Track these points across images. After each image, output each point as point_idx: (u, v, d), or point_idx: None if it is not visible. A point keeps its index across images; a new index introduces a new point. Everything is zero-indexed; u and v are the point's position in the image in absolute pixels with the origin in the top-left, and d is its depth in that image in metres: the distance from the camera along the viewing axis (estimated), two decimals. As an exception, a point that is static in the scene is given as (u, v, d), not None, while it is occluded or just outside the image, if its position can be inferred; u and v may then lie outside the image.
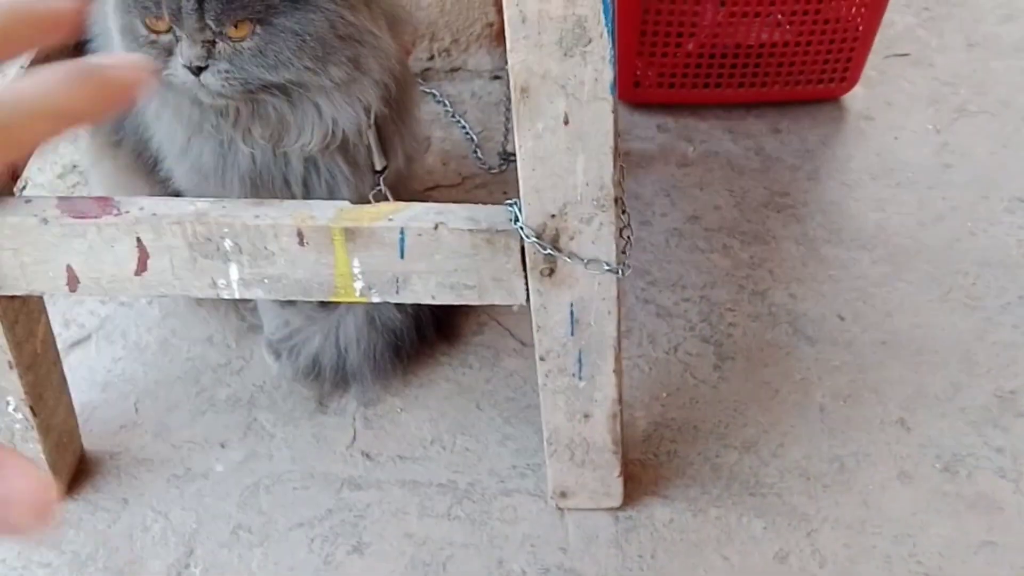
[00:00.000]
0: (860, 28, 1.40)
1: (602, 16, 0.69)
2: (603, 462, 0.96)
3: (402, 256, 0.84)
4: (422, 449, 1.07)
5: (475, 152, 1.43)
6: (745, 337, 1.17)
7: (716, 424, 1.09)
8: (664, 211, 1.33)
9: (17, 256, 0.83)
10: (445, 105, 1.50)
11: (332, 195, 0.95)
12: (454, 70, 1.57)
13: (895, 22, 1.60)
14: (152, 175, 1.00)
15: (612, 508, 1.00)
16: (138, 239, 0.82)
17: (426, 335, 1.14)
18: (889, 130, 1.44)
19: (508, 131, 1.42)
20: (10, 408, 0.91)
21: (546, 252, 0.82)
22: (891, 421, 1.08)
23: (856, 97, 1.49)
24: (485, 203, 1.36)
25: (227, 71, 0.81)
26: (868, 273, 1.24)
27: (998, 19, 1.61)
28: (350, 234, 0.83)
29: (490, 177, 1.40)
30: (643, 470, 1.04)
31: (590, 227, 0.80)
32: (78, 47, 1.03)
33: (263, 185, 0.94)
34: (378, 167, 0.97)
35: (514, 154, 1.40)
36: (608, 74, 0.72)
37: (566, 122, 0.75)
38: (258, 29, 0.80)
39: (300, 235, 0.83)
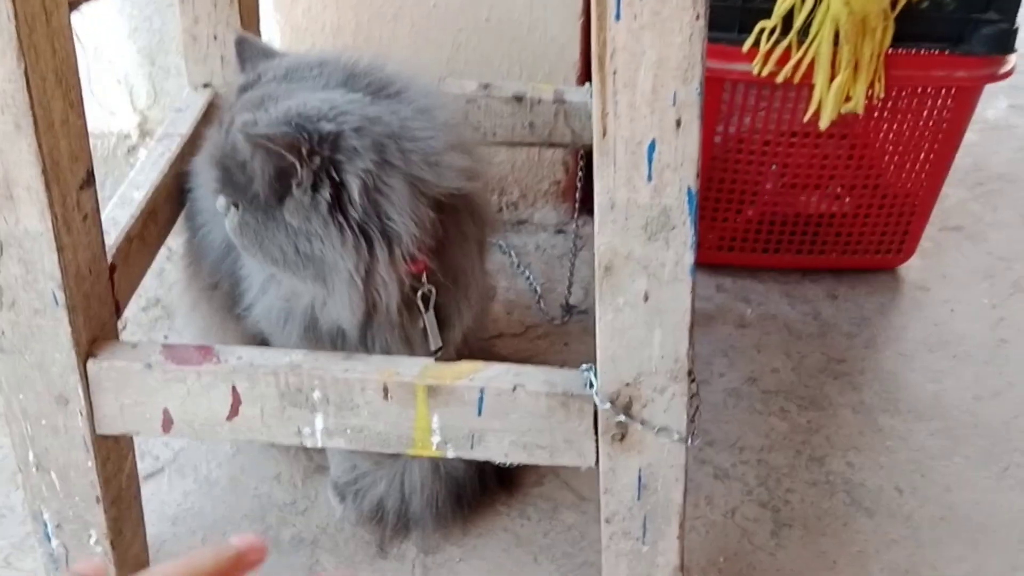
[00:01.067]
0: (918, 202, 1.45)
1: (687, 206, 0.74)
2: (662, 627, 0.97)
3: (479, 414, 0.87)
4: (480, 601, 1.08)
5: (538, 303, 1.48)
6: (803, 504, 1.18)
7: (774, 593, 1.09)
8: (722, 371, 1.36)
9: (118, 398, 0.87)
10: (511, 256, 1.57)
11: None
12: (520, 223, 1.65)
13: (949, 195, 1.65)
14: (240, 317, 1.06)
15: (669, 675, 1.00)
16: (233, 387, 0.87)
17: (488, 485, 1.16)
18: (945, 302, 1.47)
19: (571, 285, 1.47)
20: (91, 541, 0.94)
21: (619, 418, 0.85)
22: (951, 600, 1.08)
23: (912, 268, 1.53)
24: (547, 353, 1.42)
25: (232, 232, 0.91)
26: (925, 445, 1.25)
27: (1051, 197, 1.66)
28: (432, 391, 0.87)
29: (552, 328, 1.44)
30: (700, 636, 1.04)
31: (663, 397, 0.84)
32: (182, 194, 1.11)
33: (319, 341, 0.98)
34: (432, 348, 1.00)
35: (576, 307, 1.47)
36: (688, 258, 0.77)
37: (646, 299, 0.79)
38: (238, 211, 0.89)
39: (385, 390, 0.87)
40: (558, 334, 1.44)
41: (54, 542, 0.95)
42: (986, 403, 1.30)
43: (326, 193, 0.85)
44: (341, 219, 0.86)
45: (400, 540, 1.13)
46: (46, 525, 0.94)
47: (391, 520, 1.12)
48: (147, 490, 1.16)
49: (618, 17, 0.68)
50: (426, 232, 0.90)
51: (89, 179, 0.83)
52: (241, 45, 0.99)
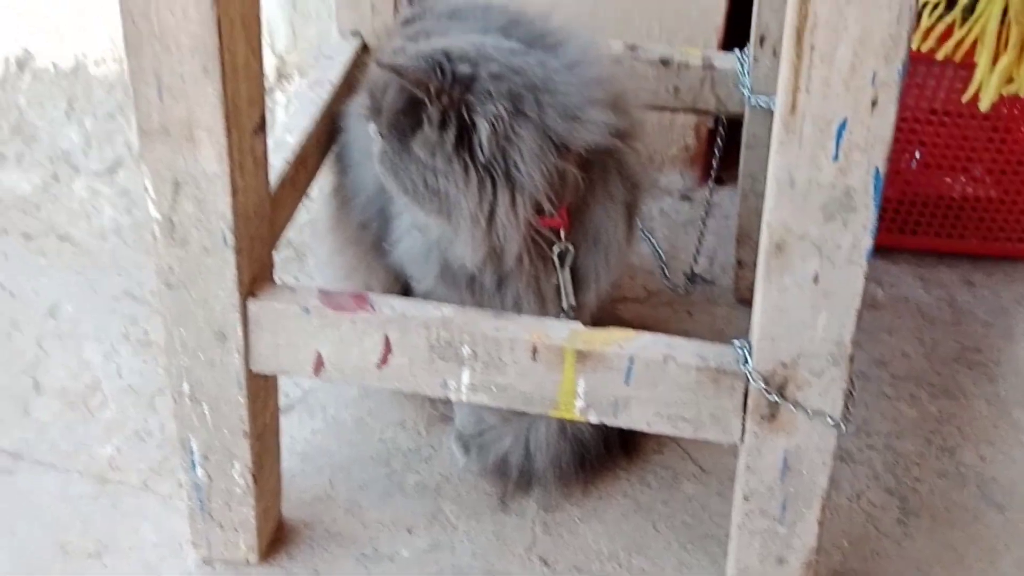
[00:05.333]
0: (1068, 192, 1.39)
1: (871, 189, 0.72)
2: (788, 607, 0.96)
3: (627, 383, 0.87)
4: (599, 564, 1.09)
5: (662, 269, 1.46)
6: (931, 495, 1.16)
7: (898, 582, 1.07)
8: (854, 356, 1.33)
9: (274, 338, 0.89)
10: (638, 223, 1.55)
11: (518, 312, 0.98)
12: (652, 191, 1.62)
13: (1097, 185, 1.58)
14: (382, 254, 1.07)
15: (789, 654, 0.99)
16: (386, 336, 0.88)
17: (611, 450, 1.16)
18: (1089, 298, 1.41)
19: (698, 253, 1.45)
20: (235, 473, 0.97)
21: (771, 398, 0.84)
22: (1084, 605, 1.05)
23: (1054, 259, 1.47)
24: (669, 321, 1.41)
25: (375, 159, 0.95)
26: (1063, 444, 1.21)
27: None
28: (581, 355, 0.87)
29: (676, 296, 1.43)
30: (821, 619, 1.03)
31: (820, 380, 0.82)
32: (331, 133, 1.12)
33: (455, 283, 1.00)
34: (564, 306, 1.00)
35: (700, 276, 1.44)
36: (867, 241, 0.75)
37: (816, 281, 0.77)
38: (381, 142, 0.91)
39: (534, 350, 0.87)
40: (681, 303, 1.42)
41: (199, 471, 0.98)
42: None
43: (452, 132, 0.87)
44: (467, 158, 0.88)
45: (521, 496, 1.14)
46: (193, 454, 0.97)
47: (514, 475, 1.14)
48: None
49: (824, -11, 0.65)
50: (561, 186, 0.91)
51: (262, 124, 0.84)
52: None
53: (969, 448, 1.21)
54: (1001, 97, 1.24)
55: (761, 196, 0.77)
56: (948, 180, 1.42)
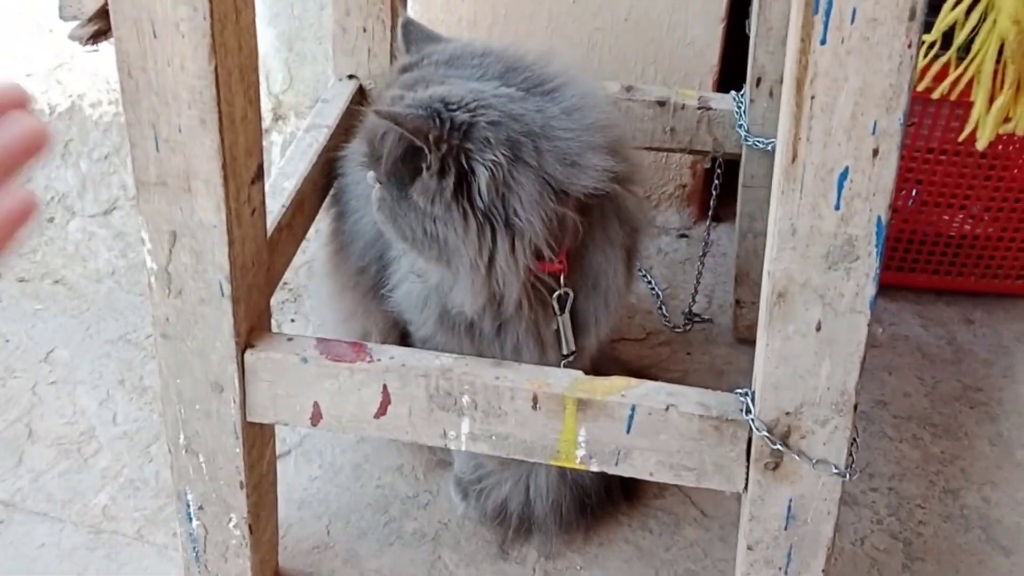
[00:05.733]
0: (1066, 230, 1.39)
1: (874, 237, 0.72)
2: (795, 658, 0.94)
3: (628, 431, 0.86)
4: (601, 611, 1.07)
5: (660, 309, 1.46)
6: (936, 538, 1.14)
7: (905, 628, 1.06)
8: (858, 404, 1.32)
9: (271, 388, 0.88)
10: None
11: (517, 358, 0.98)
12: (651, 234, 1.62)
13: (1094, 221, 1.58)
14: (380, 300, 1.07)
15: None
16: (384, 386, 0.87)
17: (612, 495, 1.15)
18: (1090, 337, 1.41)
19: (696, 292, 1.45)
20: (231, 524, 0.96)
21: (775, 447, 0.83)
22: (1094, 652, 1.03)
23: (1053, 296, 1.46)
24: (668, 361, 1.40)
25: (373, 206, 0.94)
26: (1068, 485, 1.20)
27: None
28: (582, 404, 0.86)
29: (674, 335, 1.42)
30: (827, 668, 1.01)
31: (824, 429, 0.81)
32: (328, 178, 1.12)
33: (454, 330, 0.99)
34: (564, 352, 0.99)
35: (699, 316, 1.44)
36: (870, 289, 0.74)
37: (818, 329, 0.77)
38: (379, 189, 0.90)
39: (535, 399, 0.86)
40: (680, 342, 1.41)
41: (195, 523, 0.97)
42: None
43: (451, 179, 0.86)
44: (466, 206, 0.87)
45: (522, 543, 1.13)
46: (188, 505, 0.96)
47: (514, 522, 1.12)
48: (276, 474, 1.18)
49: (824, 41, 0.65)
50: (561, 232, 0.90)
51: (260, 173, 0.84)
52: (407, 28, 1.00)
53: (973, 490, 1.20)
54: (998, 135, 1.24)
55: (759, 235, 0.77)
56: (946, 218, 1.42)
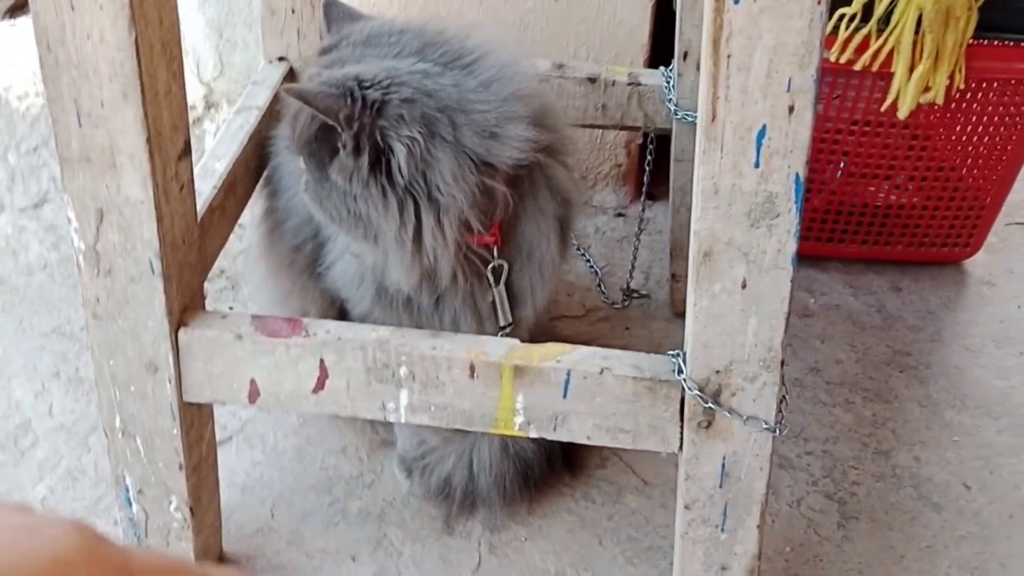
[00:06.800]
0: (988, 196, 1.43)
1: (793, 194, 0.74)
2: (734, 615, 0.97)
3: (565, 396, 0.87)
4: (546, 581, 1.08)
5: (599, 286, 1.48)
6: (869, 497, 1.17)
7: (841, 584, 1.08)
8: (786, 360, 1.35)
9: (207, 367, 0.88)
10: (572, 239, 1.56)
11: (456, 331, 0.98)
12: (583, 206, 1.64)
13: (1015, 190, 1.63)
14: (316, 278, 1.07)
15: (737, 662, 1.00)
16: (321, 360, 0.87)
17: (554, 466, 1.16)
18: (1011, 298, 1.45)
19: (633, 269, 1.47)
20: (171, 507, 0.95)
21: (707, 406, 0.85)
22: (1021, 598, 1.07)
23: (977, 262, 1.51)
24: (608, 337, 1.42)
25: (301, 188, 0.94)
26: (993, 442, 1.24)
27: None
28: (519, 371, 0.87)
29: (613, 311, 1.44)
30: (767, 625, 1.04)
31: (753, 385, 0.83)
32: (261, 159, 1.11)
33: (391, 306, 1.00)
34: (501, 323, 1.01)
35: (636, 291, 1.46)
36: (791, 246, 0.76)
37: (743, 286, 0.79)
38: (308, 173, 0.90)
39: (472, 368, 0.87)
40: (619, 318, 1.43)
41: (135, 507, 0.96)
42: (1055, 402, 1.29)
43: (367, 157, 0.87)
44: (385, 183, 0.88)
45: (466, 517, 1.14)
46: (128, 490, 0.95)
47: (458, 497, 1.13)
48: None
49: (737, 0, 0.67)
50: (490, 204, 0.91)
51: (187, 149, 0.83)
52: (328, 8, 1.00)
53: (904, 450, 1.23)
54: (920, 105, 1.28)
55: (691, 209, 0.78)
56: (872, 189, 1.46)
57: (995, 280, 1.49)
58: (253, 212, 1.20)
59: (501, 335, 0.98)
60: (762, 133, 0.71)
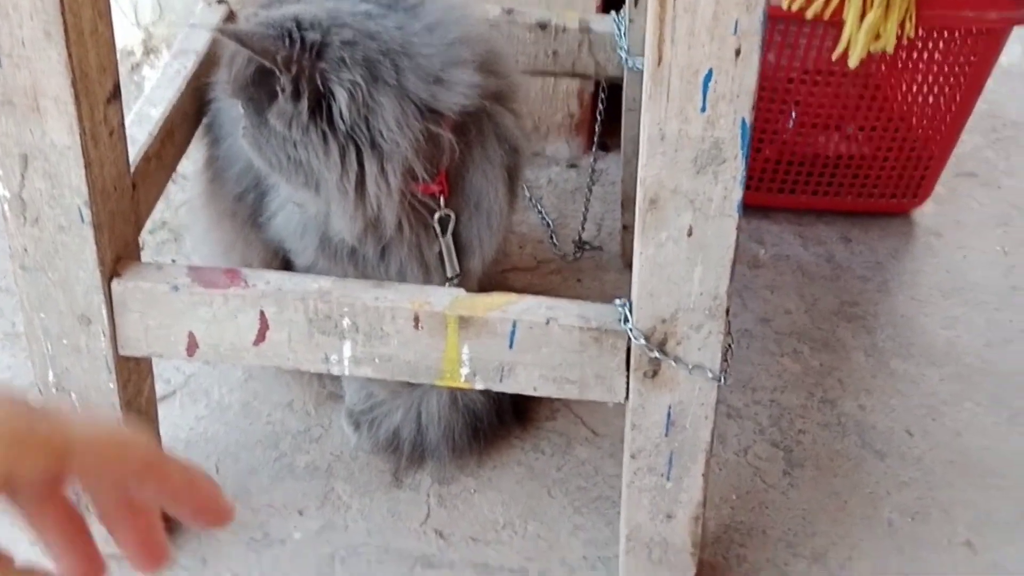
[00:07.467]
0: (936, 146, 1.43)
1: (739, 140, 0.72)
2: (680, 563, 0.97)
3: (511, 347, 0.86)
4: (494, 532, 1.08)
5: (551, 238, 1.46)
6: (815, 445, 1.19)
7: (785, 531, 1.09)
8: (735, 311, 1.35)
9: (143, 320, 0.86)
10: (523, 190, 1.54)
11: (402, 281, 0.97)
12: (533, 155, 1.62)
13: (963, 141, 1.63)
14: (259, 228, 1.04)
15: (682, 608, 1.01)
16: (261, 312, 0.85)
17: (504, 418, 1.16)
18: (958, 248, 1.47)
19: (585, 220, 1.46)
20: (110, 462, 0.93)
21: (652, 355, 0.84)
22: (959, 543, 1.09)
23: (925, 214, 1.52)
24: (559, 289, 1.41)
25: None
26: (937, 390, 1.25)
27: (1066, 147, 1.65)
28: (464, 322, 0.85)
29: (564, 263, 1.43)
30: (713, 572, 1.05)
31: (699, 334, 0.83)
32: (200, 105, 1.08)
33: (336, 256, 0.98)
34: (449, 274, 0.99)
35: (588, 243, 1.45)
36: (737, 193, 0.75)
37: (690, 234, 0.78)
38: (246, 118, 0.88)
39: (416, 319, 0.85)
40: (570, 270, 1.42)
41: (71, 463, 0.94)
42: (997, 350, 1.30)
43: (307, 101, 0.85)
44: (326, 128, 0.86)
45: (415, 470, 1.13)
46: (64, 446, 0.93)
47: (406, 450, 1.12)
48: (159, 414, 1.15)
49: (683, -61, 0.65)
50: (435, 152, 0.89)
51: (116, 92, 0.80)
52: None
53: (849, 399, 1.24)
54: (871, 55, 1.27)
55: (640, 157, 0.77)
56: (823, 139, 1.45)
57: (942, 231, 1.50)
58: (194, 161, 1.17)
59: (449, 287, 0.97)
60: (708, 77, 0.70)
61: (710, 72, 0.70)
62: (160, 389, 1.19)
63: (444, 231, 0.96)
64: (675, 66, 0.70)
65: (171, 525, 1.04)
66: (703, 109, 0.71)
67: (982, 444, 1.19)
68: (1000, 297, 1.38)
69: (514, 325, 0.85)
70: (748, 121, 0.72)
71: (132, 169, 0.91)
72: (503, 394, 1.13)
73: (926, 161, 1.45)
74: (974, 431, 1.20)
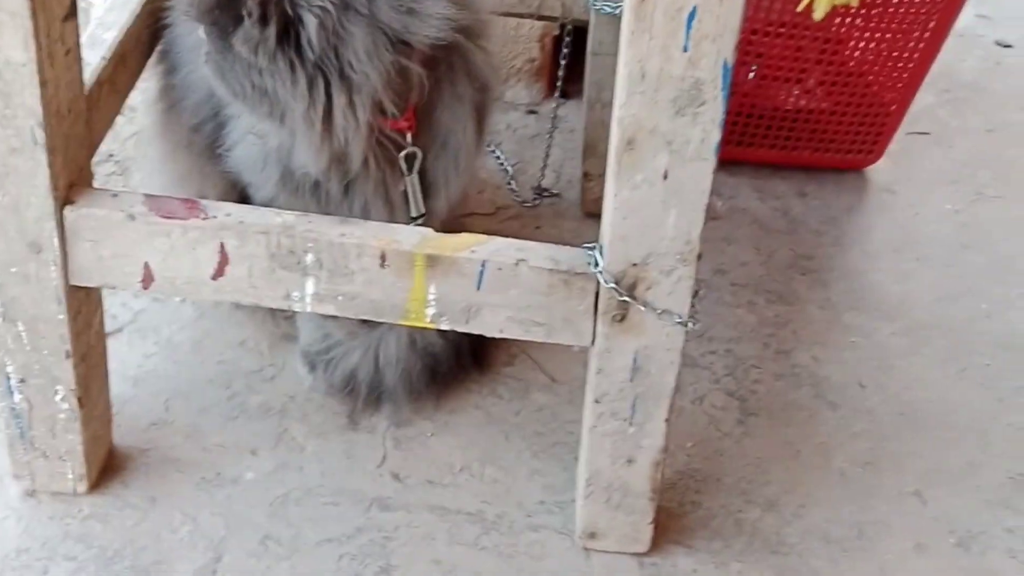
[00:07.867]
0: (894, 103, 1.44)
1: (721, 81, 0.71)
2: (638, 508, 0.98)
3: (479, 288, 0.85)
4: (451, 476, 1.08)
5: (509, 184, 1.45)
6: (769, 395, 1.20)
7: (739, 479, 1.11)
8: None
9: (96, 249, 0.82)
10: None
11: (366, 219, 0.95)
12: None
13: (917, 100, 1.65)
14: (217, 160, 1.01)
15: (638, 553, 1.02)
16: (221, 245, 0.82)
17: (463, 362, 1.15)
18: (910, 205, 1.49)
19: (545, 167, 1.44)
20: (58, 397, 0.90)
21: (621, 299, 0.83)
22: (908, 492, 1.11)
23: (879, 170, 1.53)
24: (518, 235, 1.39)
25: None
26: (888, 343, 1.28)
27: (1016, 107, 1.68)
28: (431, 261, 0.84)
29: (523, 210, 1.42)
30: (668, 519, 1.06)
31: (669, 279, 0.82)
32: (155, 31, 1.04)
33: (297, 191, 0.95)
34: (413, 213, 0.97)
35: (548, 190, 1.44)
36: (715, 136, 0.75)
37: (665, 177, 0.77)
38: (209, 43, 0.85)
39: (383, 257, 0.83)
40: (529, 216, 1.41)
41: (16, 396, 0.91)
42: (947, 305, 1.33)
43: (275, 27, 0.82)
44: (294, 56, 0.83)
45: (371, 412, 1.12)
46: (9, 379, 0.90)
47: (363, 392, 1.11)
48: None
49: None
50: (405, 86, 0.87)
51: (73, 10, 0.76)
52: None
53: (803, 350, 1.26)
54: (834, 9, 1.27)
55: (607, 105, 0.76)
56: (783, 93, 1.45)
57: (895, 188, 1.52)
58: (147, 92, 1.12)
59: (413, 226, 0.95)
60: (692, 15, 0.69)
61: (694, 10, 0.68)
62: (107, 325, 1.15)
63: (410, 169, 0.94)
64: (659, 3, 0.68)
65: (118, 462, 1.02)
66: (686, 48, 0.70)
67: (931, 397, 1.21)
68: (951, 253, 1.41)
69: (483, 265, 0.84)
70: (730, 62, 0.71)
71: (85, 91, 0.87)
72: (462, 337, 1.11)
73: (883, 118, 1.46)
74: (924, 384, 1.23)
